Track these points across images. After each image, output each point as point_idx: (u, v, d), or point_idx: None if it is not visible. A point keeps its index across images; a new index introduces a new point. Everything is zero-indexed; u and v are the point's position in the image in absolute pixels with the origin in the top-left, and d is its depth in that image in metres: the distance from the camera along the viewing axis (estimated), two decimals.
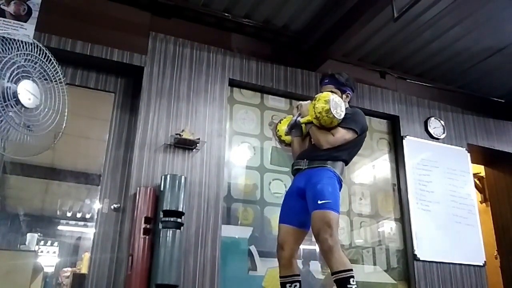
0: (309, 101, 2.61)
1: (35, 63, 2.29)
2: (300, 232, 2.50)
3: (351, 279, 2.16)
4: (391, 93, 4.35)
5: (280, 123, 2.93)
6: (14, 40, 2.19)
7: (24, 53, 2.24)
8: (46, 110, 2.36)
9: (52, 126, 2.40)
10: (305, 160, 2.54)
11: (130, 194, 3.09)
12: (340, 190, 2.48)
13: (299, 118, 2.67)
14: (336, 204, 2.34)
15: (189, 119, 3.45)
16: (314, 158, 2.52)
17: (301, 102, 2.74)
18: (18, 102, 2.17)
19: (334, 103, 2.43)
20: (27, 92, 2.20)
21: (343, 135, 2.49)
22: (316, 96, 2.52)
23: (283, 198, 2.68)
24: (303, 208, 2.42)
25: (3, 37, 2.17)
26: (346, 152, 2.54)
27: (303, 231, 2.51)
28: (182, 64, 3.59)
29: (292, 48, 4.04)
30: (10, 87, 2.13)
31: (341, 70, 2.83)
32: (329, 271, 2.26)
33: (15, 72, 2.18)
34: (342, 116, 2.46)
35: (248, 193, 3.60)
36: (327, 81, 2.73)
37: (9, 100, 2.12)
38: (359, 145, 2.66)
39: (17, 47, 2.21)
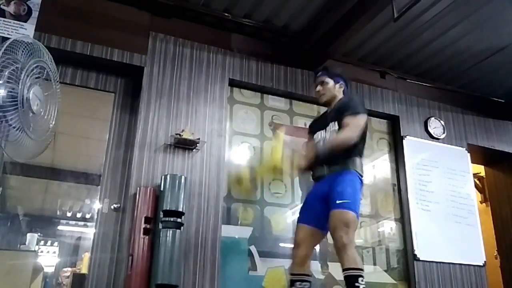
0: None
1: (43, 68, 2.27)
2: (319, 234, 2.54)
3: (360, 278, 2.18)
4: (391, 93, 4.35)
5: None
6: (25, 42, 2.16)
7: (37, 59, 2.22)
8: (47, 112, 2.36)
9: (51, 126, 2.39)
10: (325, 166, 2.55)
11: (130, 194, 3.09)
12: (362, 188, 2.50)
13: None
14: (355, 204, 2.36)
15: (189, 119, 3.45)
16: (334, 162, 2.52)
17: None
18: (30, 108, 2.15)
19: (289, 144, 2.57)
20: (36, 97, 2.19)
21: (357, 122, 2.48)
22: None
23: (303, 200, 2.72)
24: (325, 212, 2.44)
25: (24, 41, 2.14)
26: (360, 145, 2.56)
27: (322, 233, 2.55)
28: (182, 64, 3.59)
29: (292, 48, 4.04)
30: (29, 97, 2.11)
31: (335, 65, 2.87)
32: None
33: (31, 78, 2.16)
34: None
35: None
36: (320, 73, 2.76)
37: (23, 107, 2.09)
38: (366, 130, 2.64)
39: (31, 51, 2.18)
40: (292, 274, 2.49)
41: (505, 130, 4.75)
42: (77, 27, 3.32)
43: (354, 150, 2.51)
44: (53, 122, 2.39)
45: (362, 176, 2.52)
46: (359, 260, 2.25)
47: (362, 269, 2.22)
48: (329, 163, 2.54)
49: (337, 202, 2.33)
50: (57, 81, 2.44)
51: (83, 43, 3.30)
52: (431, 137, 4.33)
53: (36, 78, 2.20)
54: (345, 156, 2.49)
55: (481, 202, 5.13)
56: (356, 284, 2.16)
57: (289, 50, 4.05)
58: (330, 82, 2.70)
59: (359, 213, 2.41)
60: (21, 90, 2.06)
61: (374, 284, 3.73)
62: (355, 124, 2.47)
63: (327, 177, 2.53)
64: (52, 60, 2.39)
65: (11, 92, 2.00)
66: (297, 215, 2.72)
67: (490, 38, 3.79)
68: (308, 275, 2.48)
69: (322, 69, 2.79)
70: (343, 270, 2.23)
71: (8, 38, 2.99)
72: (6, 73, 1.98)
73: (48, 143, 2.38)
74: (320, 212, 2.49)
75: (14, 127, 2.02)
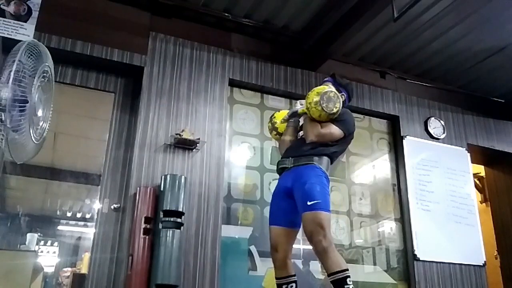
0: None
1: (47, 72, 2.28)
2: (292, 232, 2.48)
3: (348, 279, 2.15)
4: (391, 93, 4.35)
5: (279, 112, 2.93)
6: (29, 44, 2.15)
7: (44, 64, 2.21)
8: (45, 113, 2.36)
9: (48, 127, 2.39)
10: (290, 158, 2.49)
11: (130, 194, 3.09)
12: (328, 187, 2.43)
13: (299, 107, 2.66)
14: (326, 203, 2.29)
15: (189, 119, 3.45)
16: (299, 154, 2.47)
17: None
18: (35, 112, 2.14)
19: (327, 96, 2.40)
20: (39, 100, 2.19)
21: (331, 131, 2.46)
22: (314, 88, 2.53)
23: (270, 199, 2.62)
24: (292, 207, 2.39)
25: (32, 44, 2.14)
26: (332, 149, 2.50)
27: (294, 230, 2.48)
28: (182, 64, 3.59)
29: (292, 48, 4.04)
30: (35, 102, 2.10)
31: (344, 74, 2.84)
32: None
33: (40, 80, 2.16)
34: (334, 111, 2.42)
35: (248, 193, 3.60)
36: (327, 78, 2.74)
37: (31, 111, 2.09)
38: (345, 146, 2.62)
39: (37, 54, 2.17)
40: (277, 278, 2.47)
41: (505, 130, 4.75)
42: (77, 27, 3.32)
43: (325, 150, 2.46)
44: (48, 123, 2.40)
45: (328, 176, 2.44)
46: (342, 261, 2.20)
47: (347, 269, 2.17)
48: (295, 155, 2.48)
49: (308, 203, 2.26)
50: (54, 83, 2.44)
51: (83, 43, 3.30)
52: (431, 137, 4.33)
53: (41, 81, 2.20)
54: (314, 152, 2.44)
55: (481, 202, 5.13)
56: (346, 286, 2.14)
57: (289, 50, 4.05)
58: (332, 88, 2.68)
59: (330, 209, 2.32)
60: (32, 94, 2.06)
61: (374, 284, 3.73)
62: (326, 131, 2.45)
63: (290, 169, 2.46)
64: (52, 62, 2.39)
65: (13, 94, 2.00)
66: None
67: (490, 38, 3.79)
68: (293, 275, 2.45)
69: (331, 75, 2.77)
70: (329, 275, 2.17)
71: (8, 38, 3.00)
72: (6, 73, 1.98)
73: (43, 143, 2.39)
74: (286, 210, 2.44)
75: (17, 130, 2.02)
